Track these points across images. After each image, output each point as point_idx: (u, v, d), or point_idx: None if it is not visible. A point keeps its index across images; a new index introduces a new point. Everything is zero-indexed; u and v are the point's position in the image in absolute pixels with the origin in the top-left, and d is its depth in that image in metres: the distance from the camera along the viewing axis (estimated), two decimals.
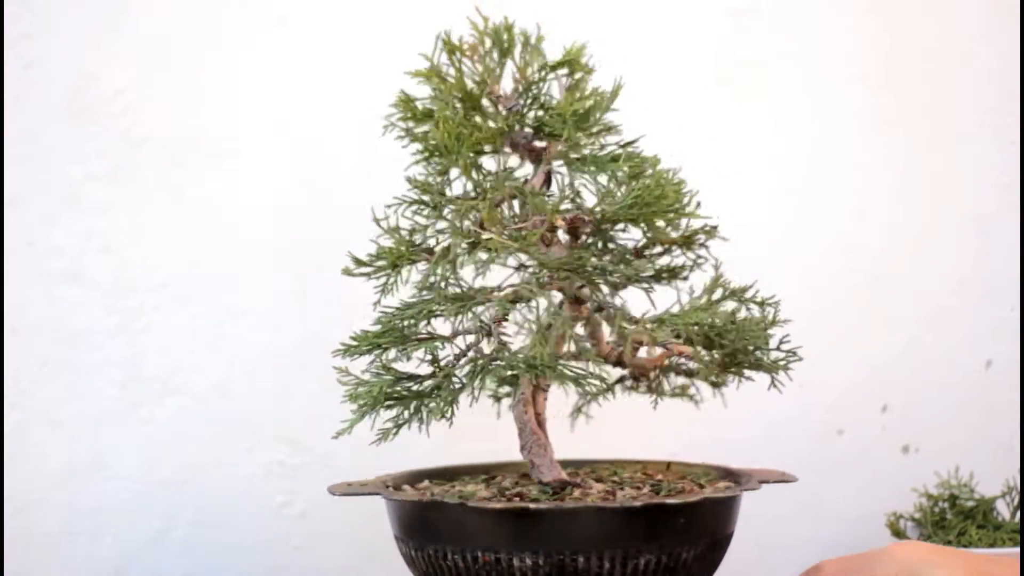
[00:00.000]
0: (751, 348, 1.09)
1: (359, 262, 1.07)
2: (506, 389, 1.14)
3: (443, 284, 1.05)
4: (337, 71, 1.41)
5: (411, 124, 1.07)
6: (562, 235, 1.09)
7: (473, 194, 1.05)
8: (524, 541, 1.02)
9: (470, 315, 1.05)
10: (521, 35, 1.07)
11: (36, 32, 1.32)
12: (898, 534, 1.39)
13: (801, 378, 1.58)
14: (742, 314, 1.09)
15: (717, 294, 1.09)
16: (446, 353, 1.06)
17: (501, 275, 1.07)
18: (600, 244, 1.08)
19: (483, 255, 1.02)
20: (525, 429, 1.12)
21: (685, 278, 1.10)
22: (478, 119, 1.06)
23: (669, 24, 1.53)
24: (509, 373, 1.03)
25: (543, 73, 1.06)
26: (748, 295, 1.10)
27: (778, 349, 1.10)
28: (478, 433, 1.24)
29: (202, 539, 1.37)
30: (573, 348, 1.08)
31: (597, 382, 1.05)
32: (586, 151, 1.06)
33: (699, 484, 1.13)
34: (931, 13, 1.63)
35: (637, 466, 1.21)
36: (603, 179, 1.05)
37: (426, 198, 1.06)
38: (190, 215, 1.37)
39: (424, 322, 1.06)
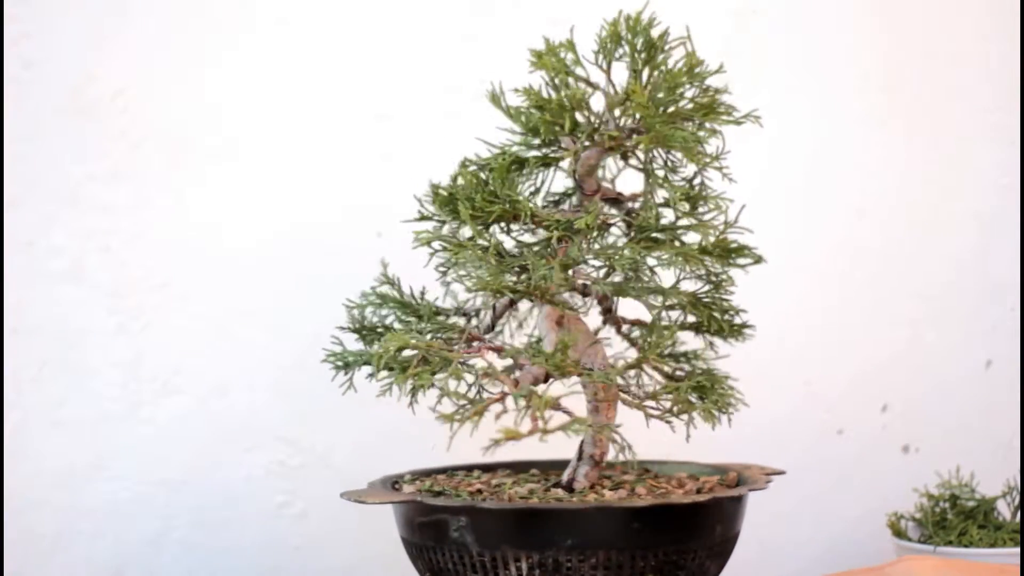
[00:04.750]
0: None
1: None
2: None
3: None
4: (337, 71, 1.41)
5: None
6: None
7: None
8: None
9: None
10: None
11: (36, 32, 1.32)
12: (899, 534, 1.39)
13: (802, 377, 1.59)
14: None
15: None
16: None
17: None
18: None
19: None
20: None
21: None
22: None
23: (670, 24, 1.53)
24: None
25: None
26: None
27: None
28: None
29: (202, 539, 1.37)
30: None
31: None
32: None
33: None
34: (931, 13, 1.63)
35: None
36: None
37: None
38: (190, 215, 1.37)
39: None
